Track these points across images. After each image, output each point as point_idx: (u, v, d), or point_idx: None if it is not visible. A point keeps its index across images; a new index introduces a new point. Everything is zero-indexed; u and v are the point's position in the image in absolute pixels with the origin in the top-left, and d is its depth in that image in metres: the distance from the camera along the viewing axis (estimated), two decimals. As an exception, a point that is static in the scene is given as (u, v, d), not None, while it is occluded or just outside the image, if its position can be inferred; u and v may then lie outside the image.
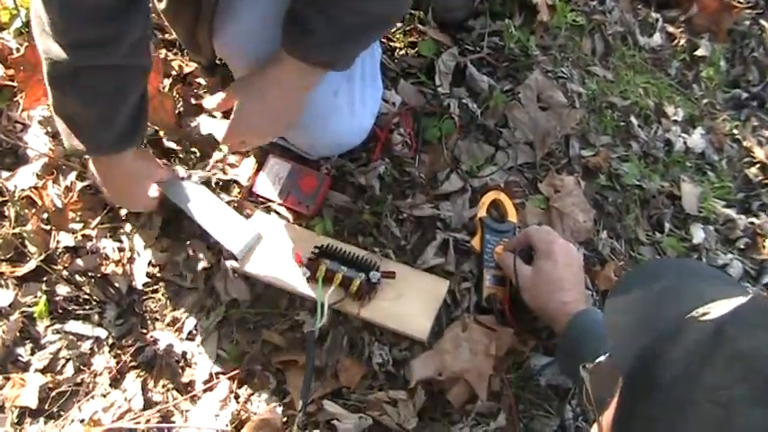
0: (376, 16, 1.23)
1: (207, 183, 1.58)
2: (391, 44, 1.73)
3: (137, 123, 1.35)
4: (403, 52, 1.73)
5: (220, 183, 1.60)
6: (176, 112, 1.65)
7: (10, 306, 1.50)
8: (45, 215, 1.56)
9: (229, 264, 1.51)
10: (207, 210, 1.53)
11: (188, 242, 1.55)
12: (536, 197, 1.60)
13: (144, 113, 1.37)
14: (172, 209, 1.56)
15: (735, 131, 1.86)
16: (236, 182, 1.59)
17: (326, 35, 1.21)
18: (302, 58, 1.24)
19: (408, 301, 1.46)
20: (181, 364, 1.48)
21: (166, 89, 1.67)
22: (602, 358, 0.83)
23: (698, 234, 1.66)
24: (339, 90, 1.39)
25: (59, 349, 1.48)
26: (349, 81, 1.40)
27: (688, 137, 1.79)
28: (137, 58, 1.27)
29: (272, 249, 1.52)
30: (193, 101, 1.67)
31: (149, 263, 1.54)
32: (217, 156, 1.61)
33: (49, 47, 1.20)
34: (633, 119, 1.76)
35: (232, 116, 1.36)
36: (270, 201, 1.58)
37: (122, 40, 1.18)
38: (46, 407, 1.44)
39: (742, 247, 1.69)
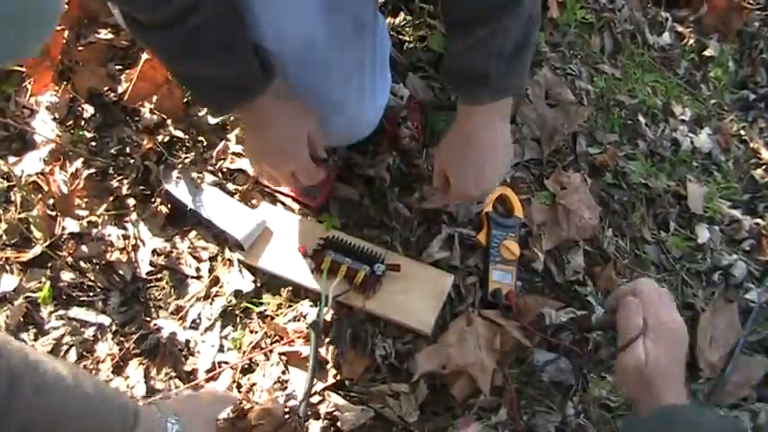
0: (529, 27, 1.22)
1: (218, 185, 1.60)
2: (400, 37, 1.73)
3: (262, 56, 1.24)
4: (412, 46, 1.73)
5: (227, 172, 1.60)
6: (184, 100, 1.65)
7: (14, 291, 1.51)
8: (51, 201, 1.56)
9: (235, 255, 1.51)
10: (211, 202, 1.54)
11: (193, 231, 1.55)
12: (542, 193, 1.61)
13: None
14: (175, 202, 1.57)
15: (742, 132, 1.86)
16: (243, 171, 1.58)
17: (500, 72, 1.22)
18: (490, 101, 1.28)
19: (413, 294, 1.46)
20: (184, 353, 1.48)
21: (174, 78, 1.67)
22: None
23: (703, 234, 1.66)
24: (350, 81, 1.38)
25: (63, 335, 1.48)
26: (359, 72, 1.40)
27: (695, 137, 1.79)
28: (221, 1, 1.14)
29: (276, 241, 1.52)
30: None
31: (154, 251, 1.54)
32: (222, 145, 1.61)
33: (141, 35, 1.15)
34: (641, 117, 1.76)
35: (453, 192, 1.39)
36: (276, 191, 1.58)
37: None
38: (48, 392, 1.44)
39: (747, 248, 1.69)
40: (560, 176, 1.61)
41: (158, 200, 1.58)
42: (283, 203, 1.57)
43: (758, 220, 1.73)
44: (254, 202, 1.58)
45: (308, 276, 1.47)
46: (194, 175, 1.57)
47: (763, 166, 1.82)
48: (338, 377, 1.42)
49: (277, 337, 1.45)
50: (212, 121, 1.62)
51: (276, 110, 1.31)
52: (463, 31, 1.22)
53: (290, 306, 1.48)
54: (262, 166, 1.40)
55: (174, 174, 1.57)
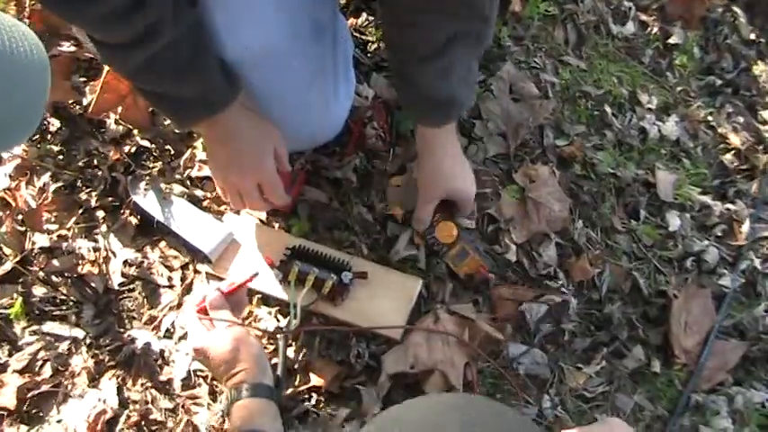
0: (478, 48, 1.32)
1: (186, 195, 1.60)
2: (363, 38, 1.73)
3: (227, 72, 1.25)
4: (375, 46, 1.73)
5: (196, 179, 1.60)
6: (150, 110, 1.64)
7: (-14, 308, 1.50)
8: (19, 216, 1.55)
9: (203, 267, 1.51)
10: (179, 214, 1.54)
11: (163, 241, 1.55)
12: (511, 187, 1.61)
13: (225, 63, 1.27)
14: (143, 214, 1.57)
15: (709, 118, 1.86)
16: (209, 178, 1.58)
17: (465, 94, 1.36)
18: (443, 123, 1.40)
19: (382, 300, 1.47)
20: (159, 363, 1.47)
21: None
22: None
23: (674, 221, 1.67)
24: (312, 84, 1.38)
25: (37, 350, 1.48)
26: (322, 75, 1.40)
27: (662, 124, 1.79)
28: (184, 20, 1.14)
29: (244, 252, 1.52)
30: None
31: (125, 262, 1.54)
32: (189, 153, 1.61)
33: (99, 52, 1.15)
34: (607, 107, 1.76)
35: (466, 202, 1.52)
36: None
37: (162, 21, 1.09)
38: (24, 408, 1.44)
39: (719, 234, 1.70)
40: (528, 170, 1.61)
41: (127, 211, 1.57)
42: (250, 212, 1.57)
43: (729, 206, 1.74)
44: (222, 208, 1.57)
45: (276, 287, 1.47)
46: (162, 185, 1.57)
47: (732, 151, 1.83)
48: (307, 385, 1.43)
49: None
50: (178, 130, 1.61)
51: (240, 121, 1.32)
52: (421, 65, 1.28)
53: (260, 315, 1.48)
54: (226, 181, 1.40)
55: (142, 185, 1.57)
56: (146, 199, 1.56)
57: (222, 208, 1.58)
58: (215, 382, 1.43)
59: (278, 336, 1.43)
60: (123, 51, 1.10)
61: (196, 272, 1.54)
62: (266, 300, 1.50)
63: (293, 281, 1.45)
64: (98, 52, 1.14)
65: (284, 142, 1.39)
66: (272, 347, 1.45)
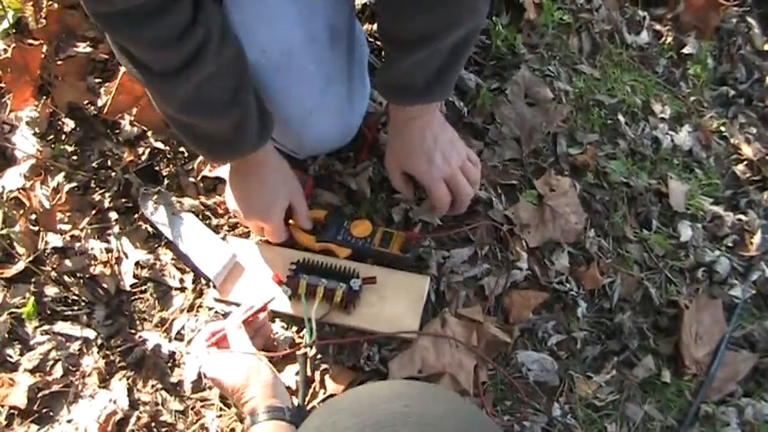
0: (463, 45, 1.29)
1: (195, 212, 1.60)
2: (378, 43, 1.73)
3: (262, 109, 1.31)
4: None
5: (208, 181, 1.60)
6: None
7: (-2, 307, 1.51)
8: (33, 216, 1.56)
9: (211, 294, 1.51)
10: (186, 232, 1.55)
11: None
12: (530, 192, 1.61)
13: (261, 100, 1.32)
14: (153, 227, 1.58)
15: (722, 129, 1.86)
16: (221, 179, 1.58)
17: (433, 84, 1.32)
18: (415, 103, 1.38)
19: (393, 302, 1.46)
20: (169, 365, 1.47)
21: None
22: None
23: (685, 231, 1.66)
24: (327, 89, 1.39)
25: (49, 350, 1.48)
26: (337, 80, 1.41)
27: (675, 134, 1.79)
28: (228, 48, 1.19)
29: (248, 273, 1.52)
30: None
31: (137, 263, 1.54)
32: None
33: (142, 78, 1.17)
34: (620, 117, 1.76)
35: (420, 180, 1.48)
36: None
37: (209, 45, 1.12)
38: (35, 407, 1.44)
39: (730, 244, 1.70)
40: (550, 179, 1.62)
41: (139, 213, 1.58)
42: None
43: (741, 216, 1.74)
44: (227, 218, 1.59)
45: (285, 303, 1.47)
46: (173, 199, 1.58)
47: (744, 162, 1.83)
48: (325, 394, 1.42)
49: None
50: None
51: (266, 165, 1.40)
52: (398, 55, 1.29)
53: (273, 319, 1.49)
54: (234, 209, 1.49)
55: (150, 204, 1.57)
56: (155, 216, 1.56)
57: (226, 219, 1.60)
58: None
59: (297, 354, 1.43)
60: (173, 79, 1.12)
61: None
62: (279, 315, 1.50)
63: (303, 294, 1.45)
64: (148, 84, 1.17)
65: (304, 198, 1.50)
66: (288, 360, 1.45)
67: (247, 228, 1.57)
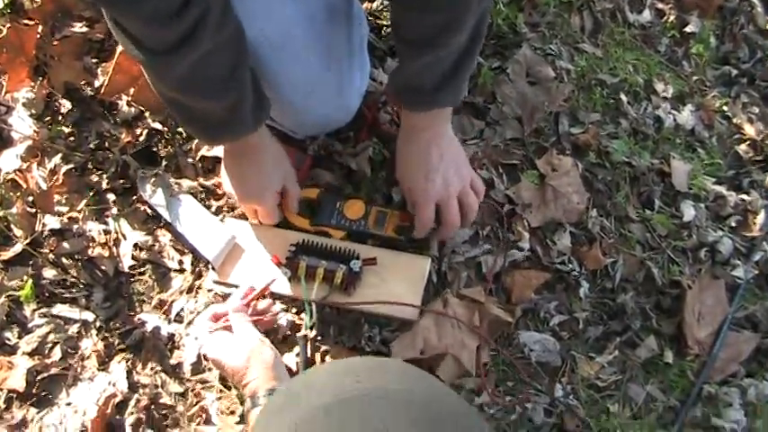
0: (474, 42, 1.27)
1: (193, 194, 1.58)
2: (378, 22, 1.71)
3: (258, 91, 1.29)
4: (390, 30, 1.71)
5: (207, 161, 1.59)
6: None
7: (-5, 290, 1.50)
8: (30, 198, 1.55)
9: (210, 275, 1.50)
10: (184, 214, 1.54)
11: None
12: (531, 172, 1.60)
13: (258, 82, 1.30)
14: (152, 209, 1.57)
15: (725, 108, 1.85)
16: (220, 159, 1.57)
17: (443, 86, 1.30)
18: (431, 110, 1.36)
19: (393, 283, 1.45)
20: (168, 347, 1.47)
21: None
22: None
23: (688, 211, 1.65)
24: (327, 68, 1.38)
25: (47, 333, 1.47)
26: (337, 59, 1.39)
27: (678, 114, 1.78)
28: (227, 26, 1.14)
29: (247, 255, 1.51)
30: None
31: (135, 245, 1.53)
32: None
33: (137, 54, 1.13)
34: (622, 96, 1.75)
35: (413, 196, 1.45)
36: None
37: (207, 21, 1.08)
38: (34, 390, 1.43)
39: (733, 224, 1.68)
40: (552, 158, 1.60)
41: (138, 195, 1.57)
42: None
43: (743, 196, 1.72)
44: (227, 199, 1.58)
45: (285, 285, 1.46)
46: (171, 180, 1.57)
47: (747, 142, 1.82)
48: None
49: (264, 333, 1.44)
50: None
51: (261, 148, 1.38)
52: (410, 56, 1.28)
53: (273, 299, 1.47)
54: (229, 191, 1.50)
55: (148, 186, 1.56)
56: (154, 198, 1.55)
57: (225, 200, 1.58)
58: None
59: (297, 336, 1.42)
60: (170, 56, 1.09)
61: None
62: (279, 297, 1.49)
63: (303, 276, 1.44)
64: (144, 61, 1.13)
65: (296, 182, 1.49)
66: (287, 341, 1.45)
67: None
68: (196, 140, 1.60)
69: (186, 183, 1.57)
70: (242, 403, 1.39)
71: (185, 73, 1.13)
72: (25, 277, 1.50)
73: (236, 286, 1.46)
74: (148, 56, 1.10)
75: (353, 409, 0.73)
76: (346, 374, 0.81)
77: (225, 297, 1.48)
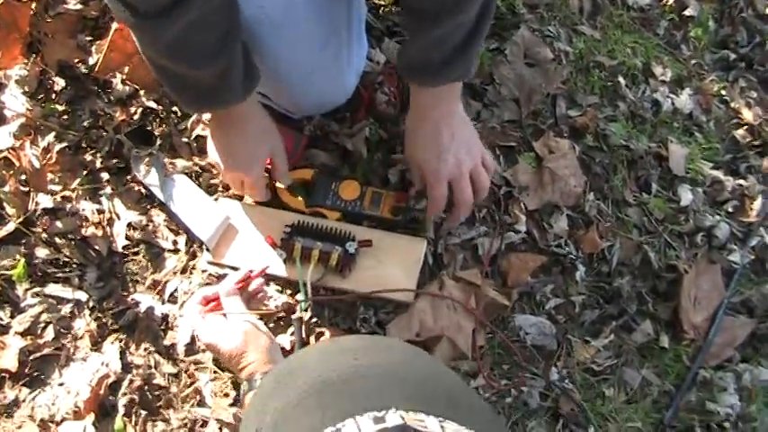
0: (483, 16, 1.24)
1: (188, 174, 1.56)
2: (376, 1, 1.70)
3: (248, 61, 1.26)
4: (388, 10, 1.70)
5: (203, 140, 1.58)
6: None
7: (-12, 269, 1.49)
8: (23, 176, 1.53)
9: (205, 256, 1.49)
10: (178, 194, 1.52)
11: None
12: (528, 155, 1.59)
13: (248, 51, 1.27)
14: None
15: (723, 92, 1.84)
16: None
17: (452, 61, 1.27)
18: (441, 84, 1.33)
19: (389, 266, 1.45)
20: (162, 328, 1.46)
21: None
22: None
23: (685, 196, 1.65)
24: (325, 47, 1.36)
25: (40, 313, 1.46)
26: (335, 38, 1.38)
27: (676, 97, 1.77)
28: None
29: (242, 235, 1.50)
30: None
31: (129, 225, 1.52)
32: (195, 115, 1.58)
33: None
34: (621, 79, 1.74)
35: (426, 176, 1.41)
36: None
37: None
38: (26, 371, 1.42)
39: (730, 209, 1.68)
40: (549, 140, 1.60)
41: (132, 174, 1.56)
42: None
43: (740, 181, 1.72)
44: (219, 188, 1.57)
45: (280, 266, 1.45)
46: (165, 160, 1.55)
47: (745, 127, 1.81)
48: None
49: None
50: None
51: (248, 118, 1.35)
52: (420, 29, 1.25)
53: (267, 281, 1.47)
54: (217, 164, 1.46)
55: (143, 166, 1.54)
56: (148, 178, 1.53)
57: (220, 180, 1.57)
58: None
59: (293, 318, 1.41)
60: (162, 19, 1.07)
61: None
62: (274, 278, 1.48)
63: (298, 258, 1.43)
64: (135, 24, 1.12)
65: (285, 153, 1.46)
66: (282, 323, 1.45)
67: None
68: (191, 119, 1.58)
69: (181, 162, 1.55)
70: (236, 386, 1.38)
71: (176, 38, 1.11)
72: (18, 256, 1.48)
73: (232, 267, 1.45)
74: (140, 19, 1.08)
75: (348, 387, 0.73)
76: (341, 353, 0.80)
77: (219, 278, 1.47)
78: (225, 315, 1.32)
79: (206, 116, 1.56)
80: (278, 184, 1.50)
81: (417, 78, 1.35)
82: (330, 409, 0.69)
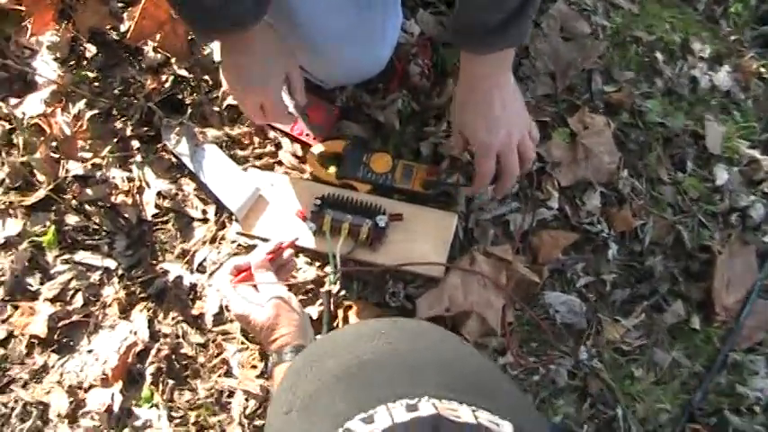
0: None
1: (218, 143, 1.56)
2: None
3: None
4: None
5: (233, 110, 1.57)
6: (189, 38, 1.60)
7: (18, 235, 1.49)
8: (54, 143, 1.53)
9: (234, 227, 1.49)
10: (208, 164, 1.52)
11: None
12: (563, 130, 1.57)
13: None
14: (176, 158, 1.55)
15: (762, 70, 1.79)
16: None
17: (506, 25, 1.21)
18: (493, 51, 1.27)
19: (419, 240, 1.43)
20: (190, 297, 1.46)
21: (178, 15, 1.61)
22: None
23: (721, 175, 1.62)
24: (361, 17, 1.35)
25: (69, 280, 1.47)
26: (371, 8, 1.36)
27: (714, 74, 1.73)
28: None
29: (272, 207, 1.49)
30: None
31: (159, 193, 1.52)
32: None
33: None
34: (658, 54, 1.70)
35: (474, 146, 1.36)
36: (276, 129, 1.55)
37: None
38: (55, 337, 1.43)
39: (766, 189, 1.64)
40: (584, 116, 1.57)
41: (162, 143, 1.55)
42: (277, 164, 1.55)
43: (778, 161, 1.69)
44: (251, 150, 1.56)
45: (310, 239, 1.45)
46: (196, 130, 1.54)
47: (784, 105, 1.77)
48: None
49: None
50: (217, 58, 1.58)
51: (259, 39, 1.28)
52: None
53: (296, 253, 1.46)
54: (235, 95, 1.41)
55: (173, 135, 1.53)
56: (178, 148, 1.53)
57: (251, 150, 1.56)
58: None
59: (321, 291, 1.41)
60: None
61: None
62: (303, 250, 1.47)
63: (328, 231, 1.42)
64: None
65: (299, 72, 1.38)
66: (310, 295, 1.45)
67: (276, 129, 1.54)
68: (222, 89, 1.57)
69: (211, 132, 1.55)
70: (263, 358, 1.38)
71: None
72: (48, 223, 1.49)
73: (260, 238, 1.45)
74: None
75: (380, 372, 0.72)
76: (374, 337, 0.79)
77: (248, 249, 1.46)
78: (255, 287, 1.32)
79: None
80: (309, 156, 1.49)
81: (471, 44, 1.29)
82: (362, 394, 0.68)
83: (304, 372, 0.79)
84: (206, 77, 1.60)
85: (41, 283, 1.47)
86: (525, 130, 1.38)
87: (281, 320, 1.26)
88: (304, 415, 0.71)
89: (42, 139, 1.53)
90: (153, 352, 1.42)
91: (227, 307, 1.39)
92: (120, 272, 1.48)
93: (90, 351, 1.42)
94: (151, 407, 1.39)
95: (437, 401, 0.63)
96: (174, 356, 1.42)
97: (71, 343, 1.44)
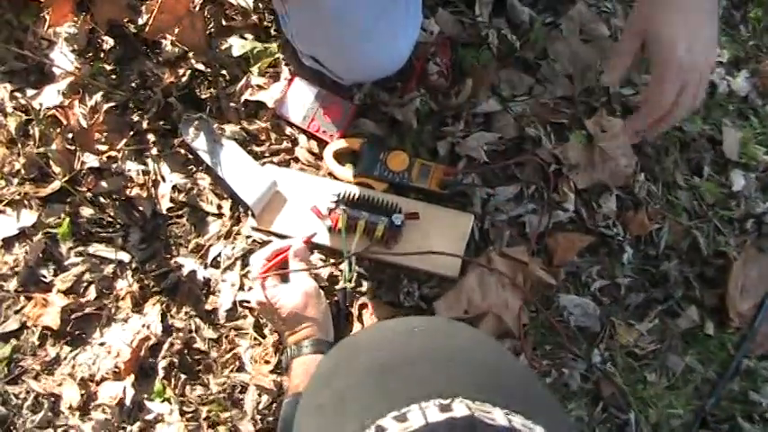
0: None
1: (236, 139, 1.55)
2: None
3: None
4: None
5: (250, 105, 1.57)
6: (207, 32, 1.60)
7: (33, 227, 1.49)
8: (70, 135, 1.53)
9: (249, 222, 1.48)
10: (226, 159, 1.51)
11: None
12: (580, 132, 1.56)
13: None
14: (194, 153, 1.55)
15: (780, 76, 1.80)
16: (263, 104, 1.54)
17: None
18: None
19: (435, 239, 1.43)
20: (204, 292, 1.46)
21: (197, 9, 1.61)
22: None
23: (738, 180, 1.61)
24: (383, 13, 1.35)
25: (83, 272, 1.47)
26: (392, 6, 1.36)
27: (732, 79, 1.73)
28: None
29: (289, 203, 1.48)
30: (224, 21, 1.61)
31: (174, 187, 1.51)
32: (245, 80, 1.57)
33: None
34: (677, 58, 1.70)
35: (653, 58, 1.18)
36: (292, 125, 1.54)
37: None
38: (68, 329, 1.43)
39: (783, 197, 1.65)
40: (601, 119, 1.56)
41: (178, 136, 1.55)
42: (293, 160, 1.54)
43: (795, 168, 1.68)
44: (267, 146, 1.55)
45: (325, 236, 1.45)
46: (215, 125, 1.54)
47: (801, 112, 1.77)
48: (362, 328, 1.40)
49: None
50: (235, 53, 1.57)
51: None
52: None
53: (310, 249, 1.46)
54: None
55: (191, 130, 1.53)
56: (196, 142, 1.52)
57: (267, 146, 1.55)
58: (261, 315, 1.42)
59: (336, 289, 1.41)
60: None
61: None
62: (318, 247, 1.47)
63: (343, 228, 1.41)
64: None
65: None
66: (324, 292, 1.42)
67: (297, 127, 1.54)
68: (240, 83, 1.56)
69: (229, 128, 1.54)
70: (277, 352, 1.38)
71: None
72: (62, 215, 1.49)
73: (276, 234, 1.45)
74: None
75: (413, 371, 0.71)
76: (407, 334, 0.79)
77: (263, 244, 1.46)
78: (281, 278, 1.33)
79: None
80: (326, 153, 1.49)
81: None
82: (394, 391, 0.68)
83: (335, 367, 0.78)
84: (224, 72, 1.59)
85: (55, 275, 1.47)
86: (713, 62, 1.24)
87: (308, 311, 1.26)
88: (337, 409, 0.71)
89: (59, 130, 1.53)
90: (165, 346, 1.42)
91: (263, 288, 1.36)
92: (133, 265, 1.48)
93: (102, 344, 1.42)
94: (163, 401, 1.39)
95: (470, 402, 0.63)
96: (186, 351, 1.42)
97: (83, 335, 1.44)
